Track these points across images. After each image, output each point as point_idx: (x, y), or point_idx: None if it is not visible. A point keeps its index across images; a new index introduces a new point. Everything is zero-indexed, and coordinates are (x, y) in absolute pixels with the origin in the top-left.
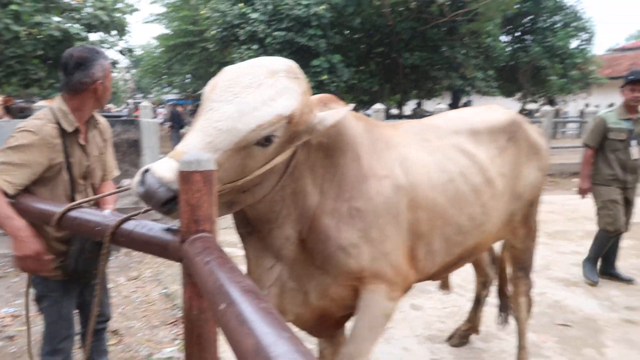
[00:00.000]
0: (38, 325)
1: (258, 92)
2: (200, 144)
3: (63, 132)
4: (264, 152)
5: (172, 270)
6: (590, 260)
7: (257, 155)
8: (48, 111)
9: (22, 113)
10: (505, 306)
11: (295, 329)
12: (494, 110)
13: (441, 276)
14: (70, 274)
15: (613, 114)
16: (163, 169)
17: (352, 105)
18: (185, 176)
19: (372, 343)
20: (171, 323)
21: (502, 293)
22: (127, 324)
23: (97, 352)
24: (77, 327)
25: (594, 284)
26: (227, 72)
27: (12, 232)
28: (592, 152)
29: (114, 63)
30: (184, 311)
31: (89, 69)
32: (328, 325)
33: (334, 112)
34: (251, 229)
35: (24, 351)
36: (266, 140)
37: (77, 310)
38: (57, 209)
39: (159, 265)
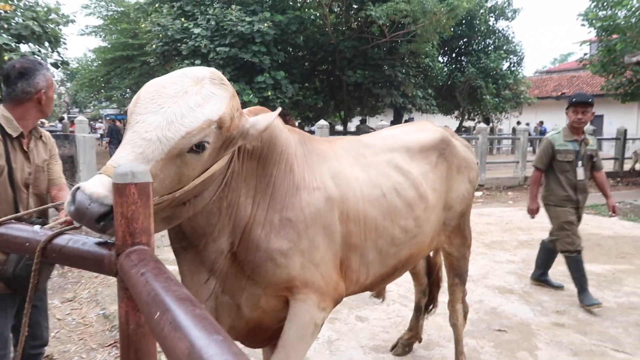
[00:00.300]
0: None
1: (184, 99)
2: (131, 155)
3: (5, 138)
4: (199, 160)
5: (110, 290)
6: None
7: (191, 163)
8: None
9: None
10: (433, 301)
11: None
12: (425, 128)
13: (378, 287)
14: (10, 283)
15: (559, 136)
16: (94, 185)
17: (279, 109)
18: (119, 189)
19: (302, 353)
20: (110, 345)
21: (431, 294)
22: (62, 348)
23: None
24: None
25: (599, 305)
26: (150, 85)
27: None
28: (540, 173)
29: None
30: (119, 327)
31: (32, 79)
32: (265, 337)
33: (265, 116)
34: (186, 243)
35: None
36: (198, 147)
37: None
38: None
39: (96, 285)
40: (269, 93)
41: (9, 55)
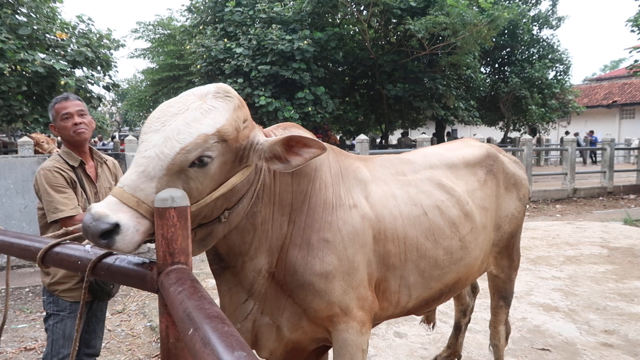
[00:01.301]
0: None
1: (183, 116)
2: (134, 175)
3: (74, 169)
4: (205, 174)
5: (157, 304)
6: None
7: (198, 178)
8: (56, 154)
9: (6, 148)
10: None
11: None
12: (470, 144)
13: (422, 311)
14: (92, 290)
15: None
16: (100, 205)
17: (321, 144)
18: (160, 212)
19: None
20: (156, 356)
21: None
22: (112, 358)
23: None
24: None
25: None
26: (160, 106)
27: None
28: None
29: (99, 98)
30: (160, 340)
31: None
32: (302, 359)
33: (286, 133)
34: (225, 264)
35: None
36: (200, 162)
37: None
38: (40, 245)
39: (144, 298)
40: (310, 108)
41: (65, 80)
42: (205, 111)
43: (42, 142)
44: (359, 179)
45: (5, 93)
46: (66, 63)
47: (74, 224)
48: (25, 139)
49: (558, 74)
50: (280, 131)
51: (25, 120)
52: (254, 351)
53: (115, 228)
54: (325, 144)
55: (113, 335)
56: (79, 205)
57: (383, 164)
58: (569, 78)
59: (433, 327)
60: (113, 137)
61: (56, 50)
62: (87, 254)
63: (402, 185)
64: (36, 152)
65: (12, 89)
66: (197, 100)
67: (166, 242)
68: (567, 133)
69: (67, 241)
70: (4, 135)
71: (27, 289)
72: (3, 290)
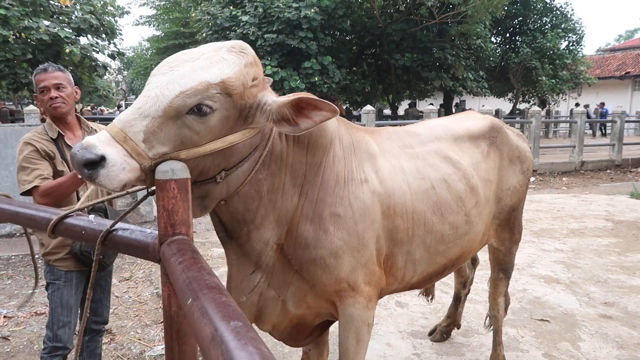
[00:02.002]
0: (32, 325)
1: (192, 63)
2: (130, 111)
3: (55, 141)
4: (204, 124)
5: None
6: None
7: (194, 127)
8: (41, 126)
9: (12, 116)
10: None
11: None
12: (474, 116)
13: (425, 285)
14: (78, 259)
15: None
16: (92, 137)
17: (335, 108)
18: (161, 184)
19: (364, 353)
20: (162, 322)
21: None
22: (120, 323)
23: (90, 355)
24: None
25: None
26: (176, 53)
27: None
28: None
29: (105, 66)
30: (163, 309)
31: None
32: (306, 334)
33: (289, 96)
34: (230, 233)
35: (18, 351)
36: (198, 110)
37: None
38: (45, 214)
39: (150, 266)
40: (316, 78)
41: (69, 48)
42: (215, 62)
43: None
44: (369, 152)
45: (10, 61)
46: (70, 31)
47: (40, 193)
48: (31, 107)
49: (570, 44)
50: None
51: (30, 88)
52: (253, 324)
53: (101, 161)
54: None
55: (121, 301)
56: (47, 171)
57: (390, 136)
58: (581, 48)
59: (432, 299)
60: (119, 106)
61: (60, 18)
62: (90, 224)
63: (410, 158)
64: (42, 120)
65: (17, 57)
66: (210, 52)
67: (167, 213)
68: (577, 105)
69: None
70: (11, 103)
71: (37, 256)
72: (13, 257)
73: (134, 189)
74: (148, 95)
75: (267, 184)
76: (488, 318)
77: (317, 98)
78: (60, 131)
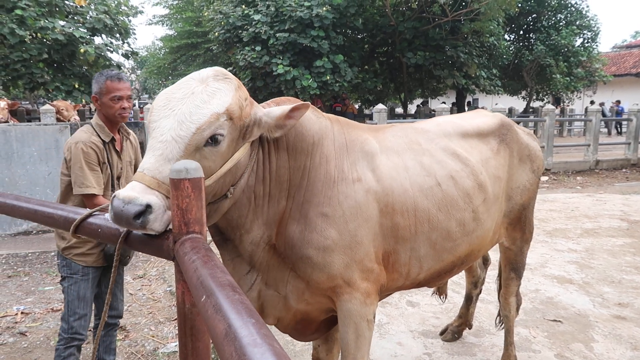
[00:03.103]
0: (49, 322)
1: (191, 99)
2: (152, 159)
3: (104, 143)
4: (217, 151)
5: None
6: None
7: (211, 156)
8: (89, 126)
9: (29, 115)
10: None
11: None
12: (484, 114)
13: (434, 283)
14: (107, 258)
15: None
16: (126, 191)
17: (307, 103)
18: (175, 183)
19: (366, 348)
20: (175, 319)
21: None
22: (134, 320)
23: (106, 350)
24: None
25: None
26: (161, 94)
27: None
28: None
29: (119, 66)
30: (177, 306)
31: (92, 86)
32: (313, 329)
33: (282, 107)
34: (225, 236)
35: (35, 346)
36: (213, 140)
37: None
38: (62, 213)
39: (164, 264)
40: (328, 77)
41: (84, 48)
42: (212, 93)
43: (62, 109)
44: (365, 151)
45: (27, 61)
46: (85, 30)
47: (94, 203)
48: (47, 107)
49: (585, 41)
50: (273, 105)
51: (46, 87)
52: None
53: (147, 209)
54: (333, 116)
55: (135, 298)
56: (102, 181)
57: (396, 133)
58: (596, 45)
59: (445, 298)
60: (132, 105)
61: (75, 18)
62: (107, 222)
63: (415, 155)
64: (57, 119)
65: (34, 57)
66: (200, 84)
67: (181, 212)
68: (592, 103)
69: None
70: (27, 102)
71: (53, 253)
72: (30, 254)
73: None
74: (164, 140)
75: (256, 190)
76: (499, 317)
77: (297, 102)
78: (114, 136)
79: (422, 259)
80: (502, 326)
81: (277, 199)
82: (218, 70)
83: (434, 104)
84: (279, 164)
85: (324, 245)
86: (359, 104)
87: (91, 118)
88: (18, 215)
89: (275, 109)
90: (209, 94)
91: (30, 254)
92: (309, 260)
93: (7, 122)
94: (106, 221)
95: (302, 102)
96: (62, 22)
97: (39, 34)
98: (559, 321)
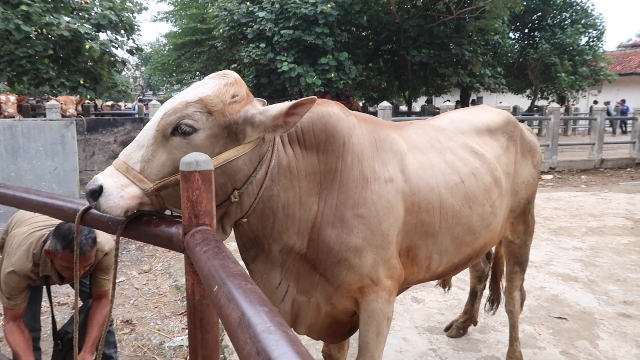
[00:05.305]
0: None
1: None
2: (130, 145)
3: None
4: (190, 144)
5: (182, 264)
6: None
7: (182, 147)
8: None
9: (34, 111)
10: (497, 298)
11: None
12: (489, 109)
13: (451, 274)
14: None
15: None
16: (101, 172)
17: (313, 98)
18: (185, 175)
19: (383, 347)
20: (181, 314)
21: (495, 285)
22: (139, 314)
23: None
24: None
25: None
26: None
27: None
28: None
29: (123, 62)
30: (187, 297)
31: (50, 241)
32: (344, 330)
33: (280, 105)
34: (254, 253)
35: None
36: (181, 131)
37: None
38: (72, 205)
39: (169, 259)
40: (333, 74)
41: (89, 44)
42: (196, 87)
43: (62, 103)
44: (395, 151)
45: (32, 57)
46: (90, 27)
47: None
48: (52, 102)
49: (591, 39)
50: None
51: (52, 83)
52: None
53: (101, 190)
54: (359, 113)
55: (140, 293)
56: None
57: (417, 131)
58: (602, 44)
59: (448, 290)
60: (140, 101)
61: (80, 14)
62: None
63: (439, 152)
64: (63, 115)
65: (39, 53)
66: (199, 83)
67: (191, 204)
68: (595, 102)
69: None
70: (32, 98)
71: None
72: None
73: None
74: (144, 129)
75: (282, 199)
76: (488, 303)
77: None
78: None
79: (442, 253)
80: (492, 311)
81: (308, 205)
82: (222, 71)
83: (438, 102)
84: (309, 169)
85: (360, 247)
86: (363, 101)
87: (96, 115)
88: (28, 208)
89: (272, 107)
90: (193, 88)
91: None
92: (346, 263)
93: (13, 117)
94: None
95: (307, 97)
96: (67, 18)
97: (44, 30)
98: (564, 318)
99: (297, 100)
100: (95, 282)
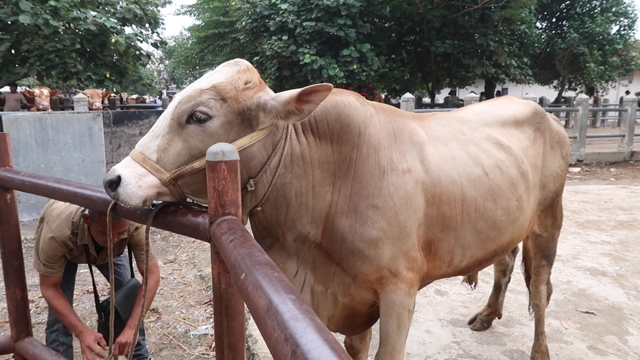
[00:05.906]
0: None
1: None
2: (146, 135)
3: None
4: (205, 132)
5: (206, 255)
6: None
7: (197, 135)
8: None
9: (62, 104)
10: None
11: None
12: (515, 101)
13: (474, 270)
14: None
15: None
16: (119, 163)
17: (328, 85)
18: (212, 165)
19: (404, 338)
20: (205, 303)
21: (530, 283)
22: (165, 303)
23: None
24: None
25: None
26: None
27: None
28: None
29: (148, 55)
30: (213, 285)
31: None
32: (362, 322)
33: (291, 90)
34: (270, 242)
35: None
36: (196, 118)
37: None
38: (101, 195)
39: (194, 249)
40: (355, 66)
41: (115, 38)
42: (210, 75)
43: (88, 96)
44: (414, 141)
45: (60, 51)
46: (116, 21)
47: None
48: (80, 95)
49: (622, 28)
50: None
51: (79, 77)
52: None
53: (119, 180)
54: (378, 103)
55: (166, 282)
56: None
57: (439, 122)
58: (633, 33)
59: (475, 286)
60: (161, 95)
61: (106, 8)
62: None
63: (461, 144)
64: (90, 108)
65: (67, 47)
66: (212, 71)
67: (217, 194)
68: (627, 93)
69: None
70: (60, 92)
71: None
72: None
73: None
74: (159, 118)
75: (295, 187)
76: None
77: (313, 84)
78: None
79: (465, 247)
80: (534, 315)
81: (322, 194)
82: (236, 60)
83: (462, 93)
84: (323, 158)
85: (376, 238)
86: (386, 93)
87: (122, 108)
88: (59, 198)
89: (284, 92)
90: (207, 76)
91: None
92: (360, 253)
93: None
94: None
95: (321, 84)
96: (93, 13)
97: (71, 25)
98: (592, 313)
99: (309, 86)
100: (137, 259)
